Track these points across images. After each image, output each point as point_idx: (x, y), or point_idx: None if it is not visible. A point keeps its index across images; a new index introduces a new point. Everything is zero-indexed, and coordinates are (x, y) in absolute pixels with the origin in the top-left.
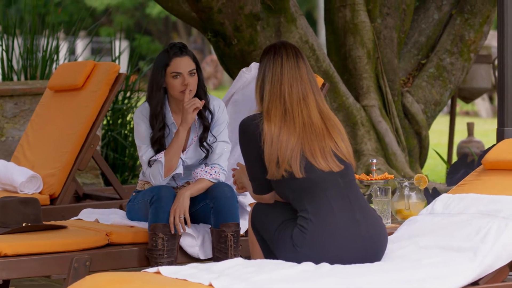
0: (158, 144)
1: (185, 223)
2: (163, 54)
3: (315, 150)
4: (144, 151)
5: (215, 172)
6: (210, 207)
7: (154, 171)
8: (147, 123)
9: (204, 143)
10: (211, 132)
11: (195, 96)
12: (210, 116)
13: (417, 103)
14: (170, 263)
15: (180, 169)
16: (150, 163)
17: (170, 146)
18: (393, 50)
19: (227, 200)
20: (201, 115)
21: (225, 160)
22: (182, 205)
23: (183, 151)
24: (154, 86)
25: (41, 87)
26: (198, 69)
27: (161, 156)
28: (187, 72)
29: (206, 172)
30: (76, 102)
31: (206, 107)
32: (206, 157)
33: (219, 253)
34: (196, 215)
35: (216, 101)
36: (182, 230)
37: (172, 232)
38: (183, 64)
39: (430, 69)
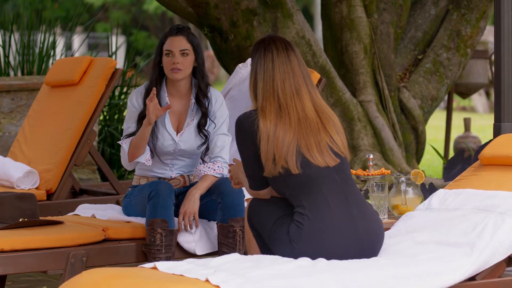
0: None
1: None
2: (164, 33)
3: (311, 145)
4: (125, 130)
5: (218, 167)
6: (217, 203)
7: (123, 153)
8: (140, 104)
9: (203, 130)
10: (211, 120)
11: (194, 78)
12: (207, 103)
13: (413, 99)
14: (168, 259)
15: (142, 159)
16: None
17: (135, 136)
18: (390, 45)
19: (235, 195)
20: (199, 101)
21: (227, 153)
22: (193, 208)
23: (177, 133)
24: (153, 64)
25: (38, 83)
26: (196, 51)
27: (125, 142)
28: (178, 51)
29: (209, 168)
30: (72, 97)
31: (204, 94)
32: (204, 143)
33: (227, 248)
34: (198, 211)
35: (214, 93)
36: (189, 229)
37: (181, 231)
38: (175, 43)
39: (427, 65)
